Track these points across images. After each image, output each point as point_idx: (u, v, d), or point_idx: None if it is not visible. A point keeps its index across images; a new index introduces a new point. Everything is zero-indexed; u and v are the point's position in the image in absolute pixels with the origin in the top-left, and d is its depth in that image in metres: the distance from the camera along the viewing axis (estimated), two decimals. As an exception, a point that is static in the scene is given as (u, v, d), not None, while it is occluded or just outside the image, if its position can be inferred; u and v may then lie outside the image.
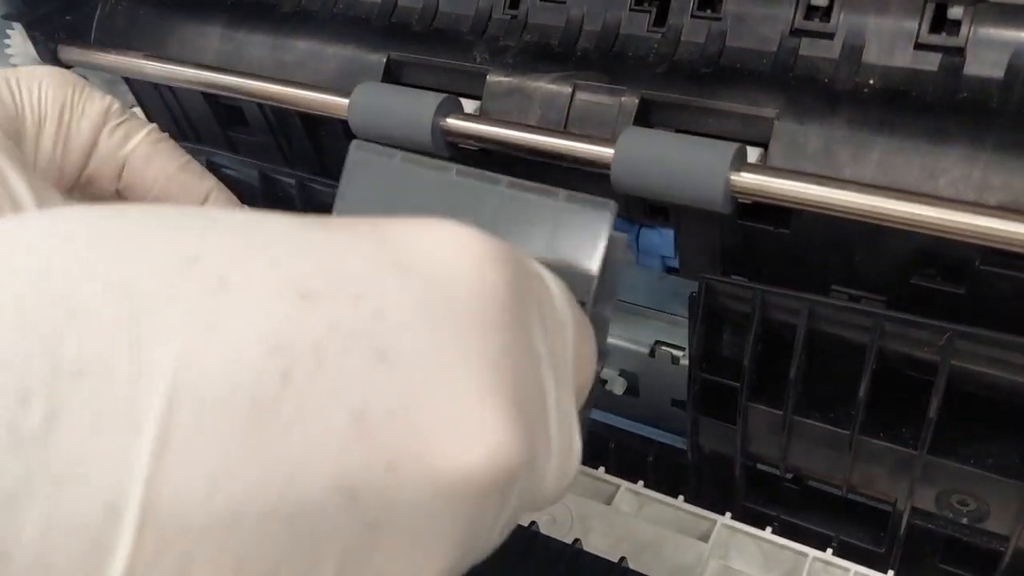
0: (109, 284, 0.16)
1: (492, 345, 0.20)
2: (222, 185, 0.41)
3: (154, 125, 0.39)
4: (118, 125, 0.37)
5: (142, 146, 0.38)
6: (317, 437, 0.17)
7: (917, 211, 0.29)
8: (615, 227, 0.30)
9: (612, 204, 0.31)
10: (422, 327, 0.19)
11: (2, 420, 0.14)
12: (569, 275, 0.32)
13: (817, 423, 0.37)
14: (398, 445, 0.18)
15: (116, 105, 0.38)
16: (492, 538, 0.21)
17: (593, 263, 0.31)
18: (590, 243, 0.31)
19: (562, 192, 0.32)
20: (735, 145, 0.32)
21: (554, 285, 0.25)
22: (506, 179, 0.32)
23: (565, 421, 0.24)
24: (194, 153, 0.48)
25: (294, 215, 0.20)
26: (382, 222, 0.21)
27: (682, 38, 0.36)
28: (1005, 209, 0.29)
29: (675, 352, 0.45)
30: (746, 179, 0.31)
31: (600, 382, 0.37)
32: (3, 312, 0.15)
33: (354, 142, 0.34)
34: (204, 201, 0.40)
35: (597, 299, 0.32)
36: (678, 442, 0.46)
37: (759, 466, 0.42)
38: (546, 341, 0.23)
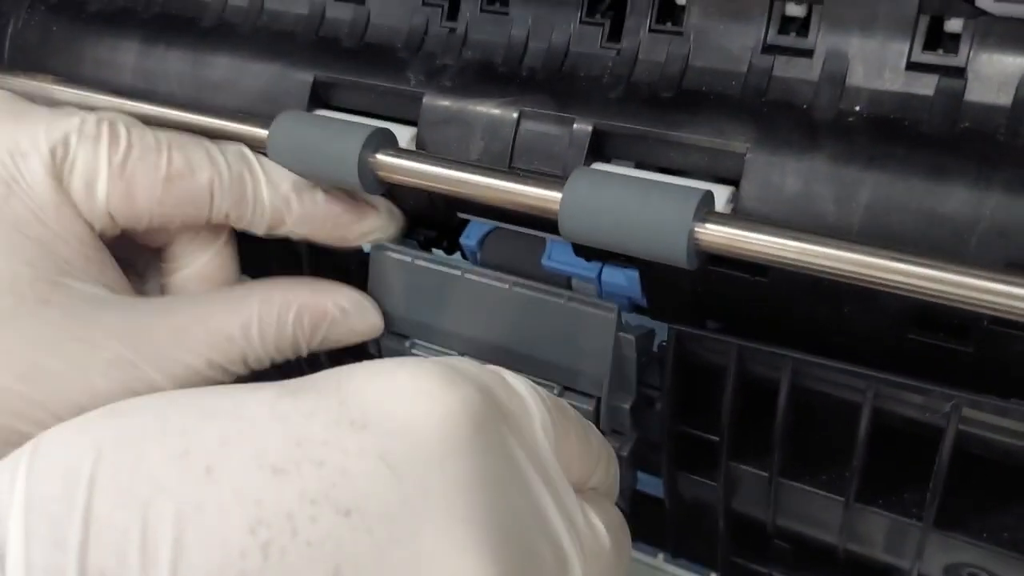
0: (119, 491, 0.19)
1: (458, 480, 0.21)
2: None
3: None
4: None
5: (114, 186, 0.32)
6: None
7: (912, 274, 0.25)
8: (622, 325, 0.32)
9: (616, 307, 0.32)
10: (383, 480, 0.20)
11: None
12: (580, 376, 0.33)
13: (807, 487, 0.33)
14: None
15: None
16: None
17: (603, 366, 0.32)
18: (598, 347, 0.32)
19: (566, 293, 0.33)
20: (699, 192, 0.27)
21: (521, 387, 0.26)
22: (511, 279, 0.34)
23: (577, 519, 0.25)
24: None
25: (279, 385, 0.23)
26: (345, 377, 0.23)
27: (639, 56, 0.31)
28: (1019, 269, 0.24)
29: (651, 393, 0.41)
30: (713, 233, 0.27)
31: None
32: (40, 529, 0.18)
33: (372, 244, 0.36)
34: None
35: (611, 395, 0.33)
36: (658, 488, 0.42)
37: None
38: (524, 450, 0.24)
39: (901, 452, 0.32)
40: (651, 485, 0.39)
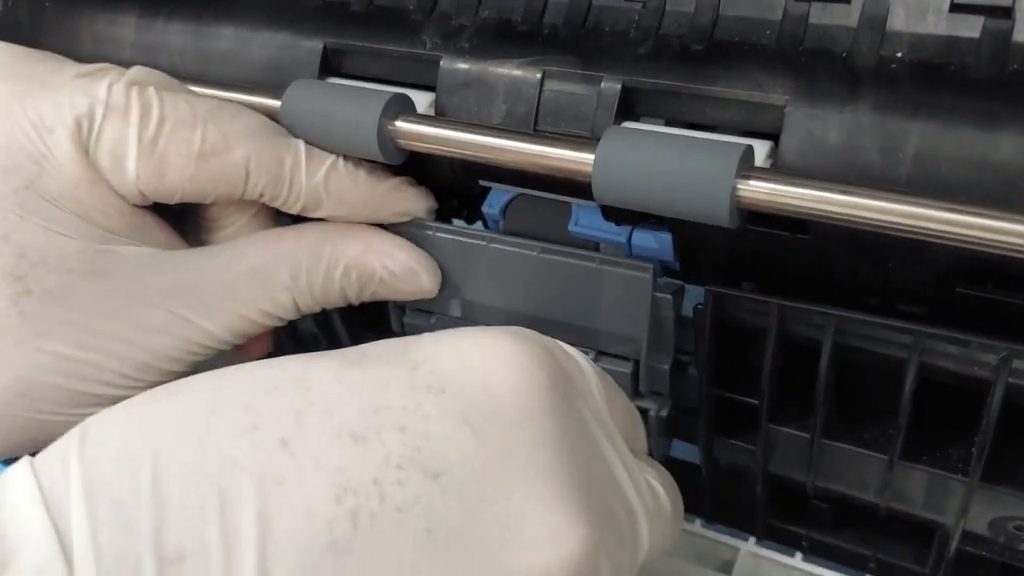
0: (187, 470, 0.18)
1: (540, 441, 0.21)
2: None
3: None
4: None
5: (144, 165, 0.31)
6: (394, 564, 0.18)
7: (965, 224, 0.24)
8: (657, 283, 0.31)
9: (651, 266, 0.31)
10: (468, 442, 0.20)
11: None
12: (616, 339, 0.32)
13: (849, 447, 0.32)
14: (469, 555, 0.19)
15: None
16: None
17: (641, 328, 0.31)
18: (634, 308, 0.31)
19: (597, 255, 0.31)
20: (741, 146, 0.26)
21: (573, 351, 0.26)
22: (539, 245, 0.33)
23: (639, 480, 0.25)
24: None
25: (336, 356, 0.22)
26: (412, 346, 0.23)
27: (667, 8, 0.30)
28: (1076, 214, 0.23)
29: (682, 357, 0.40)
30: (755, 188, 0.26)
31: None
32: (106, 515, 0.17)
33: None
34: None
35: (650, 356, 0.32)
36: (691, 455, 0.41)
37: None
38: (591, 412, 0.24)
39: (944, 408, 0.31)
40: (685, 451, 0.39)
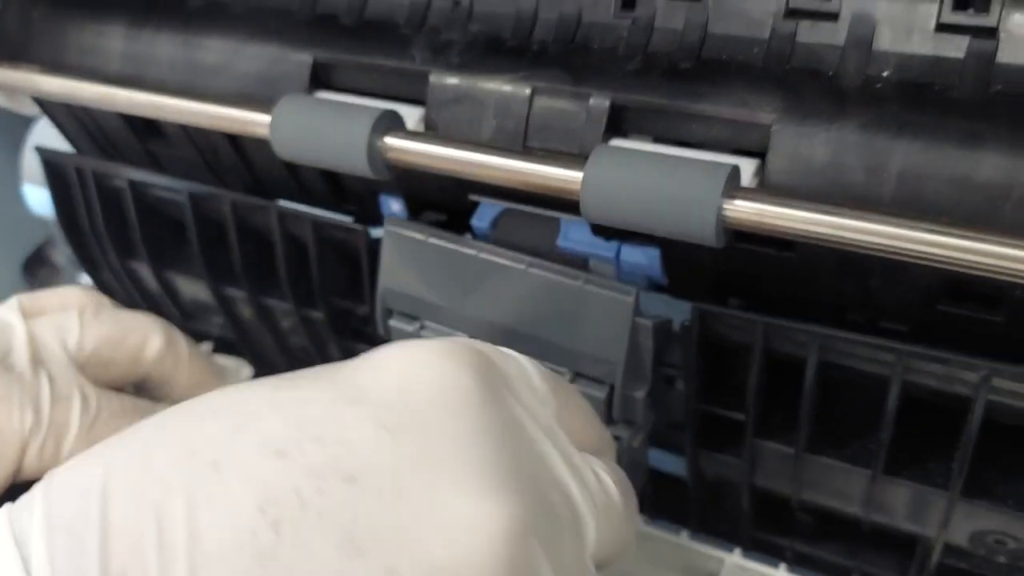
0: (132, 498, 0.20)
1: (459, 436, 0.22)
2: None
3: (79, 415, 0.35)
4: (44, 440, 0.34)
5: (77, 447, 0.35)
6: (318, 568, 0.19)
7: (946, 245, 0.24)
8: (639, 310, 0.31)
9: (634, 291, 0.31)
10: (383, 443, 0.21)
11: None
12: (594, 362, 0.32)
13: (833, 461, 0.32)
14: (392, 552, 0.20)
15: (36, 412, 0.34)
16: None
17: (618, 352, 0.31)
18: (615, 332, 0.31)
19: (582, 275, 0.31)
20: (727, 166, 0.27)
21: (518, 355, 0.26)
22: (527, 259, 0.33)
23: (585, 474, 0.25)
24: (115, 172, 0.42)
25: (270, 380, 0.23)
26: (342, 365, 0.24)
27: (656, 25, 0.30)
28: (1056, 237, 0.24)
29: (670, 372, 0.40)
30: (741, 208, 0.26)
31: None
32: (60, 542, 0.19)
33: (387, 219, 0.35)
34: None
35: (626, 384, 0.32)
36: (678, 467, 0.41)
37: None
38: (526, 408, 0.24)
39: (925, 423, 0.31)
40: (672, 464, 0.39)
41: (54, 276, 0.58)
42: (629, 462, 0.33)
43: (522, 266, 0.33)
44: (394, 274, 0.35)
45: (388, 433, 0.21)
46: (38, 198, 0.54)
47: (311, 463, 0.20)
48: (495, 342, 0.26)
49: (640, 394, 0.32)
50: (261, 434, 0.21)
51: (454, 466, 0.21)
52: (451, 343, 0.24)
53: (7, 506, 0.21)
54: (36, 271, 0.58)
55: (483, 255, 0.33)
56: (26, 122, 0.53)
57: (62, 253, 0.57)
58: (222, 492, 0.20)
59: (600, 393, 0.32)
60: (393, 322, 0.36)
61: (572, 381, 0.33)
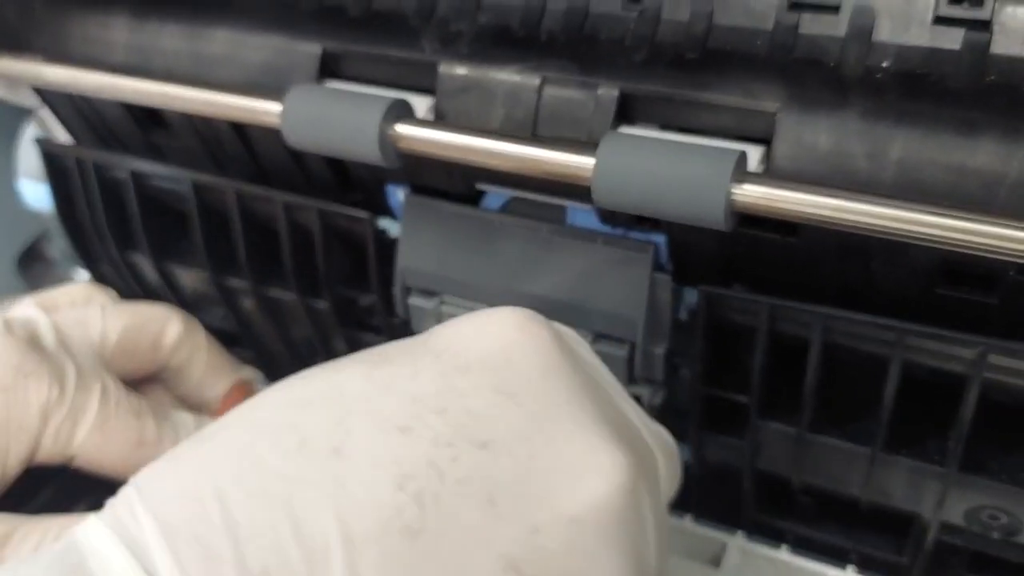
0: (253, 495, 0.19)
1: (565, 393, 0.23)
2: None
3: (99, 403, 0.34)
4: (63, 419, 0.33)
5: (91, 436, 0.34)
6: (466, 534, 0.20)
7: (945, 227, 0.25)
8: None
9: (651, 247, 0.32)
10: (505, 407, 0.22)
11: None
12: (614, 321, 0.33)
13: (834, 440, 0.33)
14: (533, 510, 0.20)
15: (61, 388, 0.33)
16: (651, 550, 0.23)
17: (638, 308, 0.32)
18: (633, 288, 0.32)
19: (600, 236, 0.32)
20: (735, 152, 0.27)
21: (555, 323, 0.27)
22: (546, 225, 0.34)
23: (651, 426, 0.27)
24: (116, 163, 0.43)
25: (357, 361, 0.24)
26: (427, 338, 0.25)
27: (662, 16, 0.31)
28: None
29: (674, 359, 0.41)
30: (749, 192, 0.27)
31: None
32: (187, 549, 0.19)
33: (407, 195, 0.36)
34: None
35: (646, 340, 0.33)
36: (682, 454, 0.42)
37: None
38: (590, 363, 0.26)
39: (922, 403, 0.33)
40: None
41: (48, 271, 0.58)
42: None
43: (541, 232, 0.34)
44: (414, 251, 0.36)
45: (508, 397, 0.22)
46: (34, 192, 0.53)
47: (439, 434, 0.21)
48: None
49: (660, 350, 0.33)
50: (376, 414, 0.21)
51: (570, 423, 0.22)
52: (523, 311, 0.25)
53: (97, 517, 0.20)
54: (31, 266, 0.58)
55: (504, 219, 0.34)
56: (20, 117, 0.53)
57: (56, 248, 0.57)
58: (353, 476, 0.20)
59: (622, 352, 0.34)
60: (412, 300, 0.37)
61: (593, 342, 0.34)
